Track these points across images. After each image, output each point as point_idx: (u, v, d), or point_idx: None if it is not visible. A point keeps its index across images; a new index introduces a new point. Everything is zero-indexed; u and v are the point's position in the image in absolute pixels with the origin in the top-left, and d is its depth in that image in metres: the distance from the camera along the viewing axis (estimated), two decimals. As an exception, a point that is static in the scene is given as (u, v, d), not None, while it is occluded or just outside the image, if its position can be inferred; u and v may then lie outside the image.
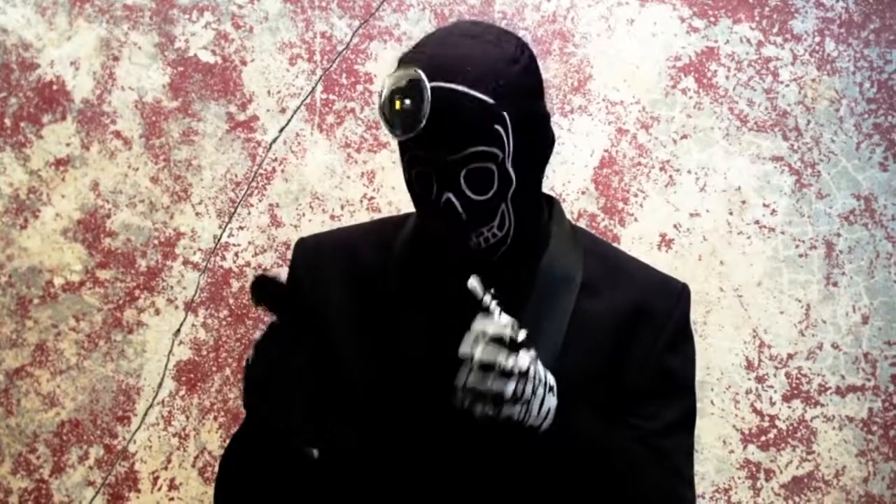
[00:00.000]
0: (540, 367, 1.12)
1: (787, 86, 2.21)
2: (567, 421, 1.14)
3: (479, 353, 1.06)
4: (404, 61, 1.17)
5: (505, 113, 1.14)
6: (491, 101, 1.13)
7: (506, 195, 1.17)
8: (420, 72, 1.11)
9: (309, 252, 1.34)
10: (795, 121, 2.20)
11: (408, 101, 1.11)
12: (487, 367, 1.06)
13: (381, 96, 1.15)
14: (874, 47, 2.21)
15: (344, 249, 1.31)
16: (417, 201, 1.20)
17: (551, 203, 1.31)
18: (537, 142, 1.20)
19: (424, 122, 1.10)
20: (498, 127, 1.14)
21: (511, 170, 1.16)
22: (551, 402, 1.12)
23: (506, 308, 1.16)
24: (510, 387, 1.07)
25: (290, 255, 2.18)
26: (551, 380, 1.13)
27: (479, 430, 1.17)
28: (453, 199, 1.14)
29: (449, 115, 1.11)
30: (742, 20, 2.22)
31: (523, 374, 1.08)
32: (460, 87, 1.12)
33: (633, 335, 1.25)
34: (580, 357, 1.22)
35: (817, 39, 2.21)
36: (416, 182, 1.18)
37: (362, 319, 1.25)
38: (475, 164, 1.14)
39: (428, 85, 1.11)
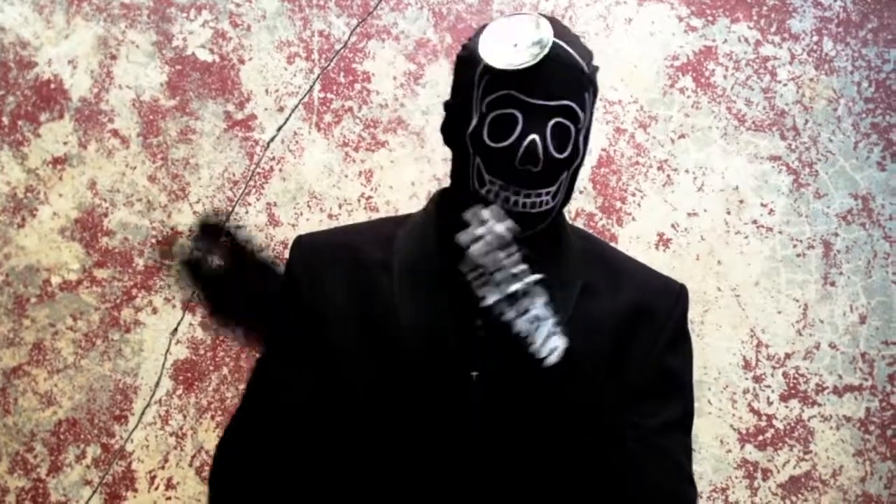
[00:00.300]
0: (548, 309, 1.13)
1: (785, 85, 2.21)
2: (574, 369, 1.15)
3: (500, 228, 1.11)
4: (516, 15, 1.21)
5: (591, 87, 1.22)
6: (587, 71, 1.21)
7: (571, 164, 1.21)
8: (544, 20, 1.18)
9: (307, 251, 1.33)
10: (793, 120, 2.20)
11: (524, 40, 1.17)
12: (501, 244, 1.11)
13: (489, 30, 1.19)
14: (872, 47, 2.21)
15: (344, 248, 1.31)
16: (481, 150, 1.20)
17: None
18: (589, 136, 1.25)
19: (542, 57, 1.15)
20: (587, 94, 1.21)
21: (581, 141, 1.22)
22: (558, 341, 1.13)
23: None
24: (517, 277, 1.11)
25: (287, 253, 2.18)
26: (559, 328, 1.15)
27: (482, 429, 1.17)
28: (538, 142, 1.17)
29: (557, 65, 1.17)
30: (740, 19, 2.22)
31: (527, 292, 1.12)
32: (570, 49, 1.19)
33: (633, 335, 1.25)
34: (581, 354, 1.22)
35: (815, 39, 2.21)
36: (491, 125, 1.19)
37: (363, 318, 1.25)
38: (562, 118, 1.18)
39: (551, 33, 1.17)
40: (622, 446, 1.21)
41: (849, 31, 2.21)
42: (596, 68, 1.24)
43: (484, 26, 1.22)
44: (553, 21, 1.22)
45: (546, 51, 1.15)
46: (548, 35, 1.16)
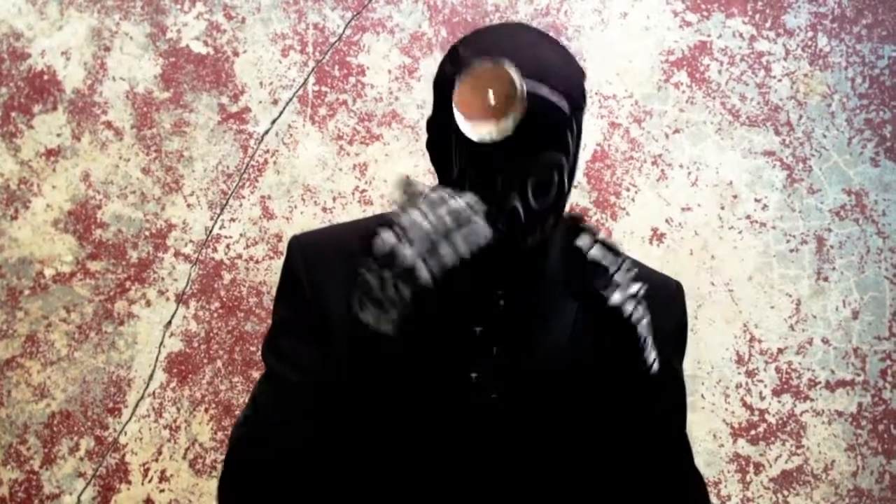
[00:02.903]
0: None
1: (780, 80, 2.21)
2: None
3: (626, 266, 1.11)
4: (480, 52, 1.11)
5: (574, 121, 1.13)
6: (567, 108, 1.11)
7: (557, 206, 1.16)
8: (516, 72, 1.06)
9: (307, 252, 1.31)
10: (787, 115, 2.20)
11: (497, 99, 1.06)
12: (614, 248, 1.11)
13: (460, 88, 1.08)
14: (866, 42, 2.21)
15: (343, 250, 1.29)
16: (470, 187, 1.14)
17: None
18: (579, 154, 1.19)
19: (515, 127, 1.05)
20: (568, 133, 1.12)
21: (566, 180, 1.15)
22: (655, 353, 1.15)
23: (517, 303, 1.17)
24: (634, 280, 1.13)
25: (281, 247, 2.18)
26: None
27: (483, 431, 1.17)
28: (519, 206, 1.11)
29: (532, 120, 1.07)
30: (735, 14, 2.22)
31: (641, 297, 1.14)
32: (545, 92, 1.09)
33: None
34: (584, 356, 1.22)
35: (810, 34, 2.22)
36: (472, 181, 1.13)
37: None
38: (544, 170, 1.12)
39: (525, 90, 1.05)
40: (626, 441, 1.21)
41: (843, 27, 2.21)
42: (579, 82, 1.15)
43: (456, 51, 1.14)
44: (524, 46, 1.13)
45: (520, 116, 1.05)
46: (522, 93, 1.05)
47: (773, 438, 2.16)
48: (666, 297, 1.29)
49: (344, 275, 1.26)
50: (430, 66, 2.21)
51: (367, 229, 1.32)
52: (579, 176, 2.19)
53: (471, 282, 1.19)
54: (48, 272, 2.19)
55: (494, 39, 1.15)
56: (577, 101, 1.14)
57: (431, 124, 1.22)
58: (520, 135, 1.08)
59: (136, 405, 2.18)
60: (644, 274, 1.32)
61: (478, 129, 1.07)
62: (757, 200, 2.19)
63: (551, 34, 2.19)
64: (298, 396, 1.22)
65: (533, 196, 1.12)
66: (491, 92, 1.06)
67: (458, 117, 1.08)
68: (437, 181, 1.27)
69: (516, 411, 1.19)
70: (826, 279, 2.18)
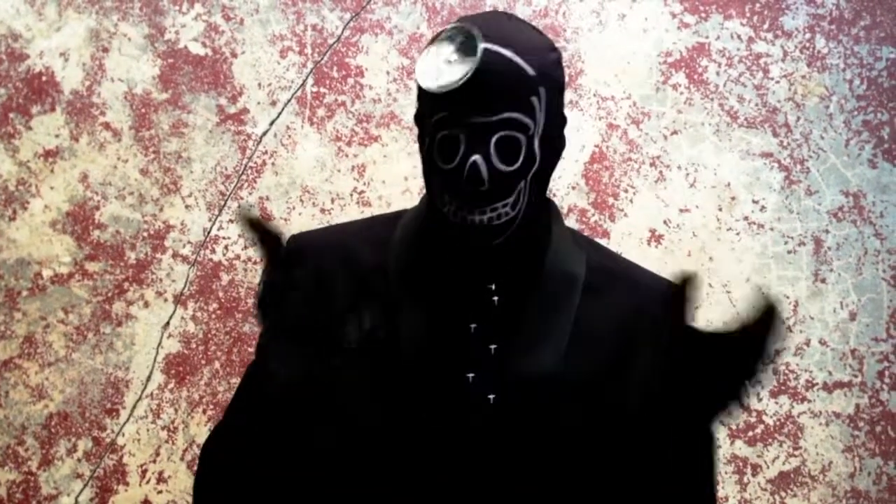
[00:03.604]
0: None
1: (778, 82, 2.21)
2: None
3: None
4: (450, 28, 1.18)
5: (541, 88, 1.17)
6: (532, 72, 1.15)
7: (527, 173, 1.18)
8: (476, 30, 1.13)
9: (306, 250, 1.32)
10: (785, 117, 2.21)
11: (457, 55, 1.13)
12: None
13: (426, 49, 1.16)
14: (864, 44, 2.21)
15: (341, 250, 1.30)
16: (435, 170, 1.19)
17: (548, 204, 1.32)
18: (557, 135, 1.22)
19: (469, 75, 1.11)
20: (534, 99, 1.16)
21: (537, 148, 1.18)
22: None
23: (513, 305, 1.17)
24: None
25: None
26: None
27: (480, 430, 1.17)
28: (480, 163, 1.14)
29: (493, 77, 1.13)
30: (733, 16, 2.22)
31: None
32: (508, 53, 1.14)
33: (634, 339, 1.25)
34: (584, 356, 1.23)
35: (808, 36, 2.22)
36: (439, 147, 1.17)
37: (360, 322, 1.25)
38: (507, 131, 1.15)
39: (481, 44, 1.12)
40: (626, 442, 1.21)
41: (841, 29, 2.22)
42: (553, 59, 1.20)
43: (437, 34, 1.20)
44: (494, 20, 1.18)
45: (474, 66, 1.11)
46: (478, 47, 1.12)
47: (770, 440, 2.16)
48: (665, 303, 1.29)
49: (342, 277, 1.27)
50: (428, 67, 2.21)
51: (367, 233, 1.32)
52: (577, 178, 2.19)
53: (461, 276, 1.19)
54: (46, 273, 2.19)
55: (463, 20, 1.20)
56: (548, 72, 1.18)
57: (417, 115, 1.25)
58: (481, 94, 1.13)
59: (134, 406, 2.18)
60: (640, 278, 1.33)
61: (434, 80, 1.13)
62: (755, 202, 2.19)
63: (549, 36, 2.20)
64: (284, 395, 1.23)
65: (497, 156, 1.15)
66: (448, 47, 1.14)
67: (419, 74, 1.15)
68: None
69: (514, 414, 1.18)
70: (824, 281, 2.18)
